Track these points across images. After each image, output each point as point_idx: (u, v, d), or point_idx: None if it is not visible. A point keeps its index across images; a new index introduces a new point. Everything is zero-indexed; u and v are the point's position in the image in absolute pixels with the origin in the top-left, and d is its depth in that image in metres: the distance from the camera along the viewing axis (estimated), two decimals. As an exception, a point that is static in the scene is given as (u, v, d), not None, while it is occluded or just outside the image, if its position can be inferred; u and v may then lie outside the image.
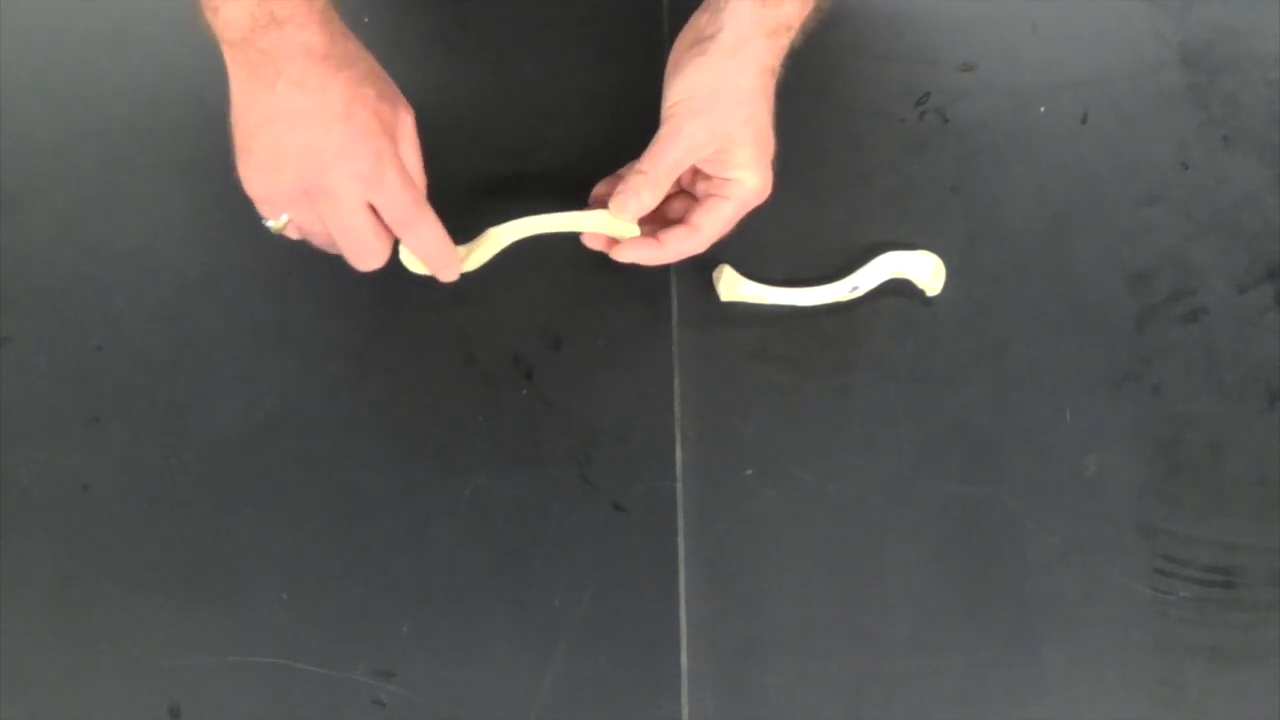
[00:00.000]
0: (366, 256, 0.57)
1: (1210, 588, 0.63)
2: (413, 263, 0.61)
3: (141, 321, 0.62)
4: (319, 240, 0.58)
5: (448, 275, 0.60)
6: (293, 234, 0.58)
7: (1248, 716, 0.61)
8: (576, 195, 0.63)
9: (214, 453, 0.60)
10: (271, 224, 0.57)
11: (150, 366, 0.62)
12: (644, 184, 0.59)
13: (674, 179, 0.60)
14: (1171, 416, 0.65)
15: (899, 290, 0.66)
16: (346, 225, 0.56)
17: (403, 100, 0.57)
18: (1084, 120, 0.70)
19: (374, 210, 0.55)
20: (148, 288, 0.63)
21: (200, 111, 0.65)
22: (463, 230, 0.61)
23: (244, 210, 0.64)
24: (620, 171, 0.61)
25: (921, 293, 0.66)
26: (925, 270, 0.65)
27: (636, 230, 0.61)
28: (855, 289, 0.65)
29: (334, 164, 0.54)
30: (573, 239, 0.62)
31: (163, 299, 0.63)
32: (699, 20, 0.61)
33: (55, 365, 0.62)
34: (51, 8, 0.67)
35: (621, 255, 0.61)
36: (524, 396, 0.62)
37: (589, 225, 0.61)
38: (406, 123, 0.57)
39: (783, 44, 0.59)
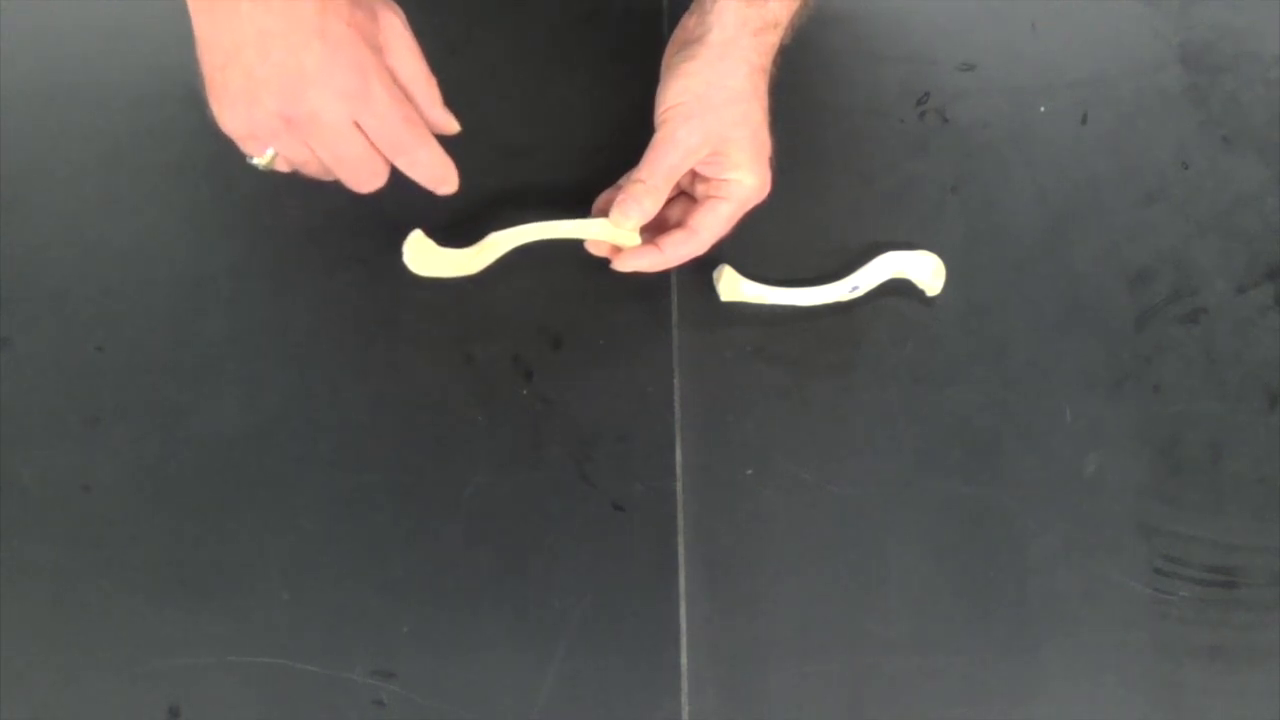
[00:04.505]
0: (365, 179, 0.54)
1: (1210, 588, 0.63)
2: (415, 262, 0.61)
3: (141, 321, 0.62)
4: (311, 169, 0.55)
5: (446, 188, 0.57)
6: (282, 167, 0.55)
7: (1248, 716, 0.61)
8: (576, 197, 0.63)
9: (214, 453, 0.60)
10: (258, 161, 0.54)
11: (150, 366, 0.62)
12: (644, 192, 0.59)
13: (673, 184, 0.59)
14: (1171, 416, 0.65)
15: (899, 290, 0.66)
16: (337, 150, 0.52)
17: (384, 3, 0.53)
18: (1084, 120, 0.70)
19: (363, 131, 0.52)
20: (148, 288, 0.63)
21: (200, 111, 0.65)
22: (463, 234, 0.61)
23: (243, 210, 0.64)
24: (620, 181, 0.61)
25: (921, 293, 0.66)
26: (925, 270, 0.65)
27: (638, 238, 0.61)
28: (855, 289, 0.65)
29: (314, 85, 0.50)
30: (573, 239, 0.62)
31: (163, 299, 0.63)
32: (687, 23, 0.61)
33: (55, 365, 0.61)
34: (51, 8, 0.67)
35: (622, 265, 0.61)
36: (524, 396, 0.62)
37: (591, 233, 0.61)
38: (394, 25, 0.53)
39: (771, 42, 0.59)
